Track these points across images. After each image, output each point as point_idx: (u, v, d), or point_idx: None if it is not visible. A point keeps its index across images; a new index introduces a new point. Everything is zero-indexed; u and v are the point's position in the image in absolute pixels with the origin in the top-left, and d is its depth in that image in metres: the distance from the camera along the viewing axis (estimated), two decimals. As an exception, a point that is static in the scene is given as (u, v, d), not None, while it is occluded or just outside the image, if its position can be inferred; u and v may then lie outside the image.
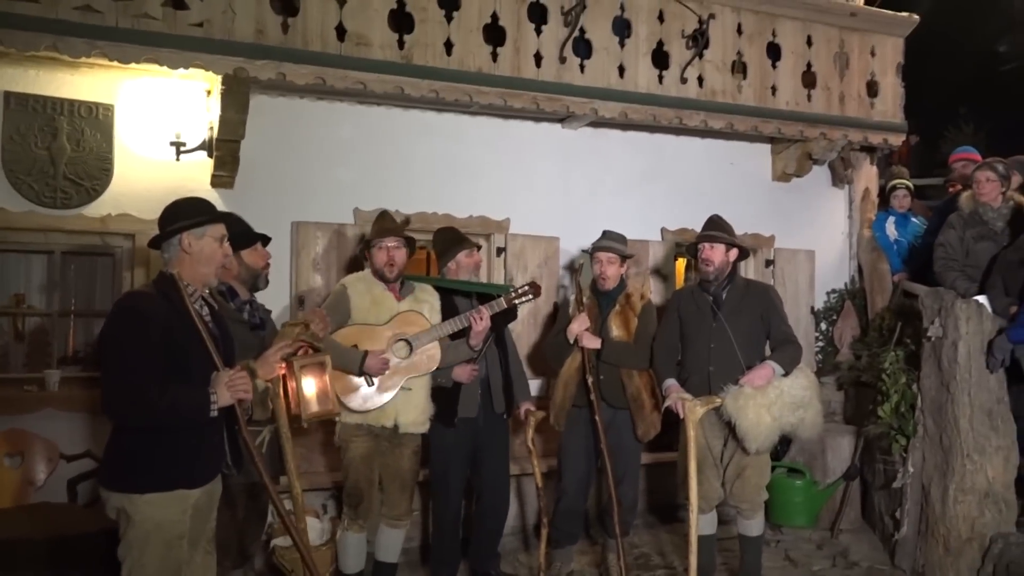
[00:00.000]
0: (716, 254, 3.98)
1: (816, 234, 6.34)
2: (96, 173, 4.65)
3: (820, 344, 6.26)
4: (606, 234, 4.46)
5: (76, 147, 4.60)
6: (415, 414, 3.83)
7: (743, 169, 6.16)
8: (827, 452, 5.27)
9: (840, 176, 6.39)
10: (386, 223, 4.03)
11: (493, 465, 4.19)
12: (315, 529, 4.19)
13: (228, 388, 2.62)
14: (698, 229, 4.16)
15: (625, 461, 4.28)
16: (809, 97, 5.80)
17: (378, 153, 5.14)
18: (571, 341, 4.25)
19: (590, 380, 4.14)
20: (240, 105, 4.41)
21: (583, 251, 4.78)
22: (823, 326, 6.25)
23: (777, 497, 5.02)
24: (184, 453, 2.62)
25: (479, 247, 4.63)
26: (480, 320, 3.82)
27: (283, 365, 2.96)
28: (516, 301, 3.92)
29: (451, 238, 4.26)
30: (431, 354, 3.82)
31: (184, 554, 2.61)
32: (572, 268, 5.50)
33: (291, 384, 3.15)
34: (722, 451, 3.98)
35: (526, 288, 3.94)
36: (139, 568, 2.56)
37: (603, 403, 4.18)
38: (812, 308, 6.21)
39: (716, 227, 4.06)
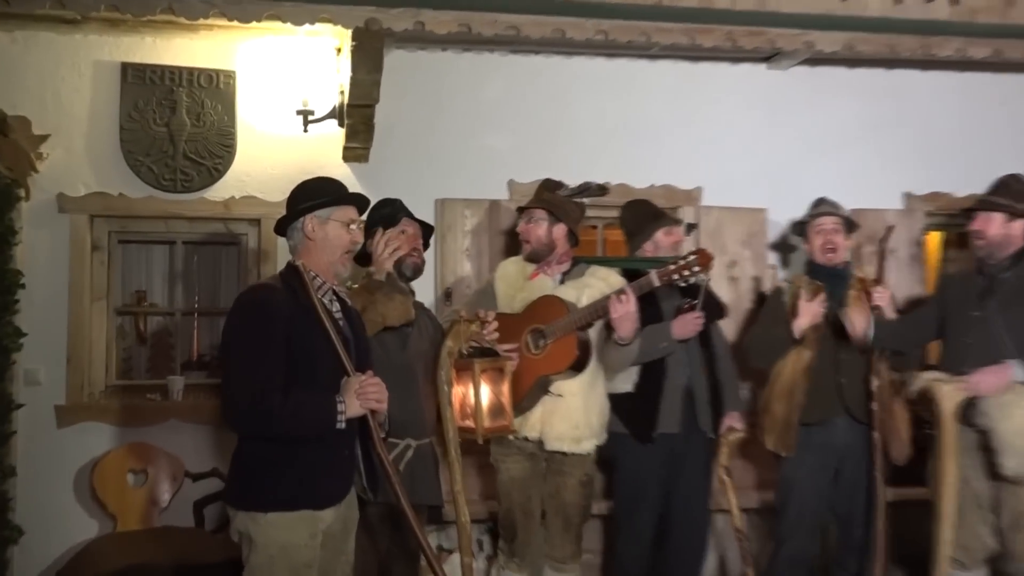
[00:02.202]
0: (992, 225, 3.79)
1: None
2: (217, 150, 4.89)
3: None
4: (823, 202, 4.28)
5: (196, 122, 4.86)
6: (566, 427, 3.77)
7: (1016, 111, 5.65)
8: None
9: None
10: (536, 192, 4.04)
11: (691, 497, 4.10)
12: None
13: (358, 396, 2.68)
14: (956, 193, 3.84)
15: (867, 495, 4.08)
16: (1112, 10, 5.19)
17: (536, 113, 5.16)
18: (796, 336, 4.09)
19: (843, 381, 3.97)
20: (373, 63, 4.49)
21: (794, 222, 4.51)
22: None
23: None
24: (309, 469, 2.68)
25: (680, 222, 4.52)
26: (621, 303, 3.64)
27: (454, 368, 3.05)
28: (675, 276, 3.68)
29: (645, 213, 4.23)
30: (567, 347, 3.73)
31: (314, 585, 2.70)
32: (784, 246, 5.30)
33: (464, 391, 3.25)
34: (988, 486, 3.74)
35: (689, 258, 3.67)
36: (263, 597, 2.67)
37: (845, 415, 4.02)
38: None
39: (1001, 190, 3.85)
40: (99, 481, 4.60)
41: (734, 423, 4.12)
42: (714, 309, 4.14)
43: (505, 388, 3.32)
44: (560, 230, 3.92)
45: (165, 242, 5.17)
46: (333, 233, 2.82)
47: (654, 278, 3.71)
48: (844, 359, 4.05)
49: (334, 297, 2.87)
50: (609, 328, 3.79)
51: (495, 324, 3.38)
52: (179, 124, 4.85)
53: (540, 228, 3.90)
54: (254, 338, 2.61)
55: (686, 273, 3.68)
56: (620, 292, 3.67)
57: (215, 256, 5.63)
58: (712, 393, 4.09)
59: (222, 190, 4.86)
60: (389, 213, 3.72)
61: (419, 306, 3.68)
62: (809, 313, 4.04)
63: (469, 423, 3.32)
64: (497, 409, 3.32)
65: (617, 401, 3.96)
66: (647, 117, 5.27)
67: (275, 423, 2.58)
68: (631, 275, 3.93)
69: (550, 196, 3.95)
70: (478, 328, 3.26)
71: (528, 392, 3.73)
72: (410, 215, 3.76)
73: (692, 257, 3.69)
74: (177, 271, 5.21)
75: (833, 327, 4.12)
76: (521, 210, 4.05)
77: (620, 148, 5.22)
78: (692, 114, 5.34)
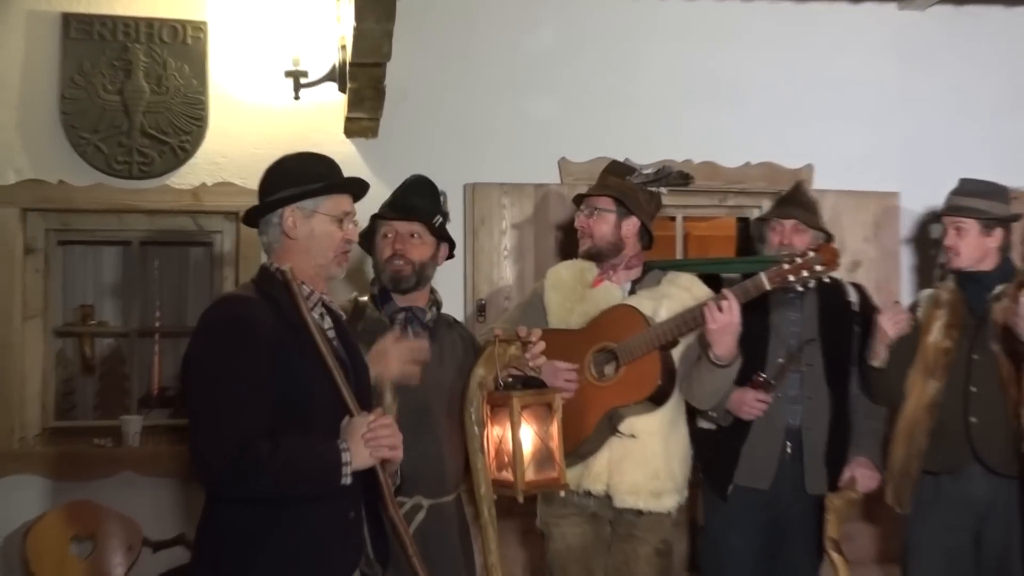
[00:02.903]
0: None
1: None
2: (184, 124, 4.87)
3: None
4: (964, 186, 4.18)
5: (157, 87, 4.84)
6: (641, 477, 3.78)
7: None
8: None
9: None
10: (600, 177, 4.03)
11: (793, 573, 4.11)
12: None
13: (367, 442, 2.63)
14: None
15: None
16: None
17: (595, 70, 5.15)
18: (876, 364, 4.01)
19: (972, 420, 3.88)
20: (384, 9, 4.42)
21: (933, 212, 4.45)
22: None
23: None
24: (304, 539, 2.63)
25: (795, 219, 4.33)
26: (720, 311, 3.62)
27: (487, 402, 3.02)
28: (791, 278, 3.66)
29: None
30: (647, 371, 3.72)
31: None
32: (922, 241, 5.26)
33: (501, 433, 3.21)
34: None
35: (809, 254, 3.67)
36: None
37: (977, 463, 3.93)
38: None
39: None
40: (33, 551, 4.54)
41: (860, 475, 4.05)
42: (852, 318, 4.12)
43: (554, 429, 3.23)
44: (631, 226, 3.90)
45: (118, 243, 5.20)
46: (320, 230, 2.77)
47: (764, 280, 3.67)
48: (976, 392, 3.97)
49: (324, 310, 2.84)
50: (702, 344, 3.78)
51: (541, 345, 3.29)
52: (135, 91, 4.83)
53: (605, 223, 3.89)
54: (233, 369, 2.57)
55: (805, 274, 3.64)
56: (720, 297, 3.63)
57: (182, 260, 5.70)
58: (835, 439, 4.07)
59: (190, 175, 4.87)
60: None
61: (443, 321, 3.62)
62: (892, 324, 3.92)
63: (507, 475, 3.23)
64: (544, 457, 3.24)
65: (700, 440, 4.01)
66: (740, 75, 5.26)
67: (263, 481, 2.54)
68: (717, 284, 3.99)
69: (618, 182, 3.93)
70: (518, 351, 3.19)
71: (593, 432, 3.71)
72: (402, 210, 3.59)
73: (812, 254, 3.66)
74: (133, 280, 5.18)
75: (967, 350, 4.01)
76: (579, 199, 4.00)
77: (704, 116, 5.21)
78: (799, 71, 5.34)
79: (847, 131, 5.29)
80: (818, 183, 5.21)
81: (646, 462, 3.78)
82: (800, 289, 3.72)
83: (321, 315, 2.80)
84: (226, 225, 4.95)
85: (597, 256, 3.92)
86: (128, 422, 4.83)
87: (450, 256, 3.66)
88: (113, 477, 4.72)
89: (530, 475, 3.22)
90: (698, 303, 3.73)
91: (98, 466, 4.73)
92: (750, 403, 3.91)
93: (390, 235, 3.53)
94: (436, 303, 3.60)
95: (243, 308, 2.67)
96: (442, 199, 3.60)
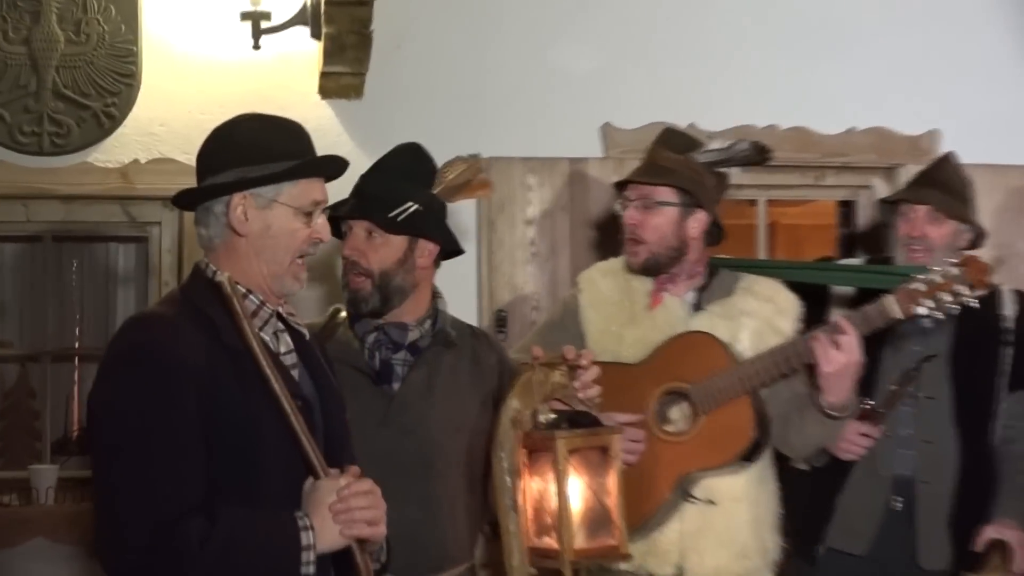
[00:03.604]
0: None
1: None
2: (110, 83, 4.82)
3: None
4: None
5: (75, 35, 4.80)
6: (726, 555, 3.78)
7: None
8: None
9: None
10: (651, 153, 3.96)
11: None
12: None
13: (336, 515, 2.56)
14: None
15: None
16: None
17: (645, 12, 5.15)
18: None
19: None
20: (369, -72, 4.49)
21: None
22: None
23: None
24: None
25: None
26: (837, 349, 3.64)
27: (522, 445, 3.03)
28: (928, 304, 3.70)
29: None
30: (735, 424, 3.74)
31: None
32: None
33: (542, 486, 3.16)
34: None
35: (950, 270, 3.72)
36: None
37: None
38: None
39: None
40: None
41: (1006, 536, 4.00)
42: (1001, 335, 4.12)
43: (611, 481, 3.15)
44: (698, 223, 3.86)
45: (24, 238, 5.20)
46: (279, 226, 2.68)
47: (894, 307, 3.71)
48: None
49: (280, 325, 2.77)
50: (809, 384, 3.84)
51: (595, 371, 3.23)
52: (46, 40, 4.79)
53: (661, 218, 3.82)
54: (144, 421, 2.49)
55: (946, 298, 3.68)
56: (836, 329, 3.65)
57: (108, 261, 5.69)
58: (966, 500, 4.06)
59: (118, 150, 4.86)
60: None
61: (441, 338, 3.58)
62: None
63: (550, 541, 3.16)
64: (598, 517, 3.15)
65: (791, 485, 4.03)
66: (839, 15, 5.26)
67: (196, 573, 2.46)
68: (808, 293, 4.00)
69: (678, 161, 3.88)
70: (564, 379, 3.13)
71: (664, 500, 3.71)
72: (358, 211, 3.54)
73: (955, 271, 3.69)
74: (45, 287, 5.16)
75: None
76: (621, 185, 3.95)
77: (793, 68, 5.22)
78: (918, 7, 5.33)
79: (981, 89, 5.30)
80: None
81: (731, 537, 3.76)
82: (939, 318, 3.74)
83: (275, 334, 2.74)
84: (165, 214, 4.92)
85: (651, 268, 3.85)
86: (39, 473, 4.81)
87: (450, 254, 3.63)
88: (19, 547, 4.71)
89: (581, 542, 3.13)
90: (785, 319, 3.83)
91: (3, 532, 4.70)
92: (851, 438, 3.88)
93: (346, 234, 3.54)
94: (433, 315, 3.57)
95: (157, 334, 2.59)
96: (434, 177, 3.59)
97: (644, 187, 3.83)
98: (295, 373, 2.72)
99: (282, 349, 2.73)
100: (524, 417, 3.13)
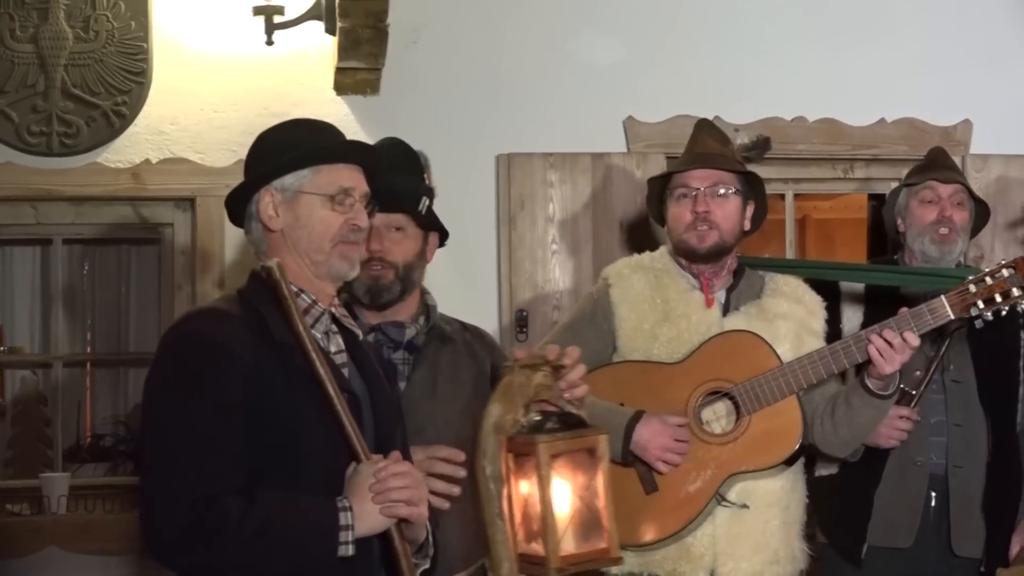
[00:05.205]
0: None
1: None
2: (121, 82, 4.82)
3: None
4: None
5: (84, 33, 4.80)
6: (759, 562, 3.79)
7: None
8: None
9: None
10: (697, 143, 3.98)
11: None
12: None
13: (375, 496, 2.62)
14: None
15: None
16: None
17: (668, 1, 5.15)
18: None
19: None
20: (385, -81, 4.50)
21: None
22: None
23: None
24: None
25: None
26: (894, 350, 3.66)
27: (507, 450, 2.98)
28: (980, 305, 3.75)
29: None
30: (784, 425, 3.77)
31: None
32: None
33: (527, 490, 3.12)
34: None
35: (1002, 272, 3.77)
36: None
37: None
38: None
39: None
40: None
41: None
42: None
43: (599, 483, 3.12)
44: (748, 215, 3.92)
45: (34, 241, 5.20)
46: (308, 216, 2.73)
47: (947, 308, 3.77)
48: None
49: (333, 326, 2.82)
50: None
51: (580, 369, 3.19)
52: (54, 38, 4.79)
53: (731, 205, 3.85)
54: (191, 404, 2.57)
55: (998, 299, 3.74)
56: (889, 331, 3.70)
57: (120, 264, 5.66)
58: (997, 485, 4.09)
59: (129, 150, 4.87)
60: None
61: (436, 335, 3.57)
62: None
63: (538, 548, 3.11)
64: (587, 521, 3.11)
65: (818, 491, 4.05)
66: (866, 1, 5.26)
67: (232, 549, 2.52)
68: (827, 292, 4.05)
69: (728, 151, 3.98)
70: (547, 380, 3.08)
71: (710, 501, 3.73)
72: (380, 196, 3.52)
73: (1007, 272, 3.74)
74: (55, 290, 5.14)
75: None
76: (661, 179, 3.95)
77: (821, 58, 5.22)
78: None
79: (1014, 77, 5.31)
80: (978, 146, 5.26)
81: (764, 543, 3.77)
82: (989, 319, 3.78)
83: (327, 334, 2.77)
84: (178, 215, 4.92)
85: (716, 255, 3.86)
86: (51, 482, 4.81)
87: (441, 244, 3.61)
88: (32, 556, 4.70)
89: (569, 547, 3.08)
90: (813, 317, 3.89)
91: (12, 541, 4.70)
92: (892, 423, 3.90)
93: (375, 220, 3.48)
94: (427, 311, 3.57)
95: (207, 325, 2.67)
96: (424, 168, 3.57)
97: (715, 173, 3.84)
98: (345, 372, 2.76)
99: (332, 348, 2.77)
100: (506, 422, 3.09)
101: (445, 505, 3.00)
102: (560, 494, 3.06)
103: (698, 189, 3.81)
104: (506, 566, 3.01)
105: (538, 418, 3.10)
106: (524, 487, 3.09)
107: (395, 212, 3.43)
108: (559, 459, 3.06)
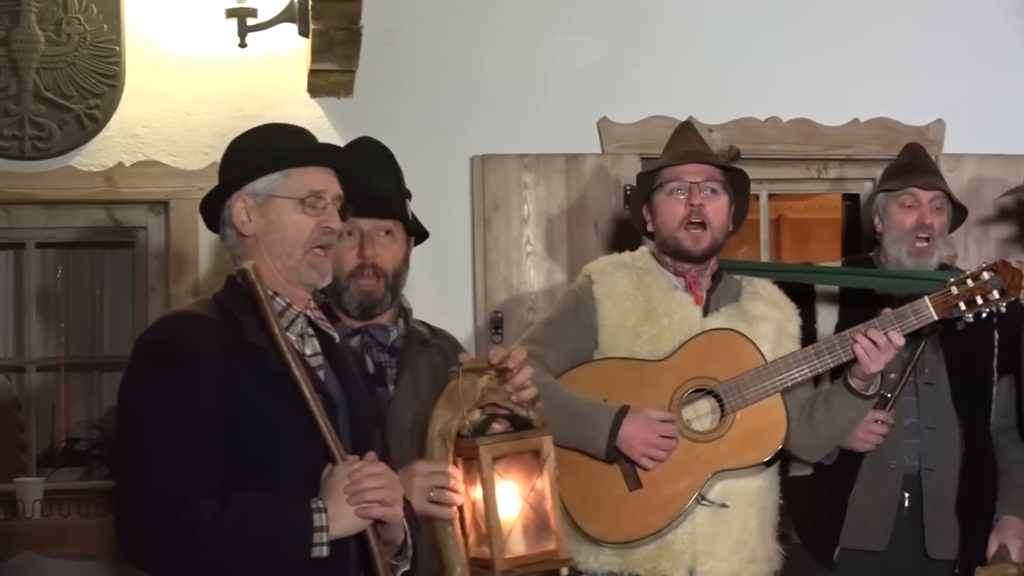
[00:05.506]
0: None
1: None
2: (93, 85, 4.82)
3: None
4: None
5: (56, 35, 4.79)
6: (738, 561, 3.80)
7: None
8: None
9: None
10: (682, 142, 4.02)
11: None
12: None
13: (350, 497, 2.60)
14: None
15: None
16: None
17: (642, 2, 5.14)
18: None
19: None
20: (358, -80, 4.48)
21: None
22: None
23: None
24: None
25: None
26: (879, 350, 3.70)
27: (455, 455, 3.00)
28: (961, 306, 3.78)
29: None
30: (769, 423, 3.78)
31: None
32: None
33: (471, 494, 3.13)
34: None
35: (983, 275, 3.80)
36: None
37: None
38: None
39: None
40: None
41: (1013, 543, 4.01)
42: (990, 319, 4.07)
43: (546, 483, 3.11)
44: (731, 214, 3.96)
45: (7, 245, 5.21)
46: (280, 220, 2.75)
47: (929, 309, 3.79)
48: None
49: (309, 329, 2.83)
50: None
51: (527, 372, 3.18)
52: (26, 41, 4.78)
53: (721, 203, 3.87)
54: (165, 405, 2.58)
55: (979, 302, 3.76)
56: (873, 332, 3.72)
57: (94, 268, 5.65)
58: (970, 486, 4.08)
59: (102, 153, 4.87)
60: None
61: (414, 338, 3.58)
62: None
63: (487, 551, 3.11)
64: (534, 523, 3.11)
65: (792, 491, 4.07)
66: (839, 1, 5.27)
67: (206, 550, 2.52)
68: (800, 295, 4.07)
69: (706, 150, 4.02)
70: (492, 383, 3.08)
71: (694, 498, 3.73)
72: (370, 200, 3.48)
73: (988, 275, 3.75)
74: (29, 294, 5.13)
75: None
76: (648, 174, 3.97)
77: (795, 58, 5.23)
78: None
79: (988, 77, 5.30)
80: (951, 145, 5.25)
81: (744, 541, 3.77)
82: (969, 320, 3.80)
83: (302, 336, 2.78)
84: (151, 219, 4.92)
85: (709, 256, 3.88)
86: (25, 486, 4.80)
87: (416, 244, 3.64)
88: (7, 561, 4.70)
89: (516, 549, 3.09)
90: (787, 321, 3.92)
91: None
92: (868, 427, 3.90)
93: (353, 235, 3.48)
94: (404, 313, 3.58)
95: (182, 328, 2.68)
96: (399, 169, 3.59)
97: (708, 169, 3.86)
98: (321, 374, 2.77)
99: (308, 351, 2.77)
100: (452, 427, 3.10)
101: (447, 513, 2.99)
102: (505, 496, 3.07)
103: (693, 183, 3.82)
104: (458, 570, 3.05)
105: (483, 420, 3.10)
106: (473, 491, 3.09)
107: (386, 218, 3.44)
108: (503, 461, 3.08)
